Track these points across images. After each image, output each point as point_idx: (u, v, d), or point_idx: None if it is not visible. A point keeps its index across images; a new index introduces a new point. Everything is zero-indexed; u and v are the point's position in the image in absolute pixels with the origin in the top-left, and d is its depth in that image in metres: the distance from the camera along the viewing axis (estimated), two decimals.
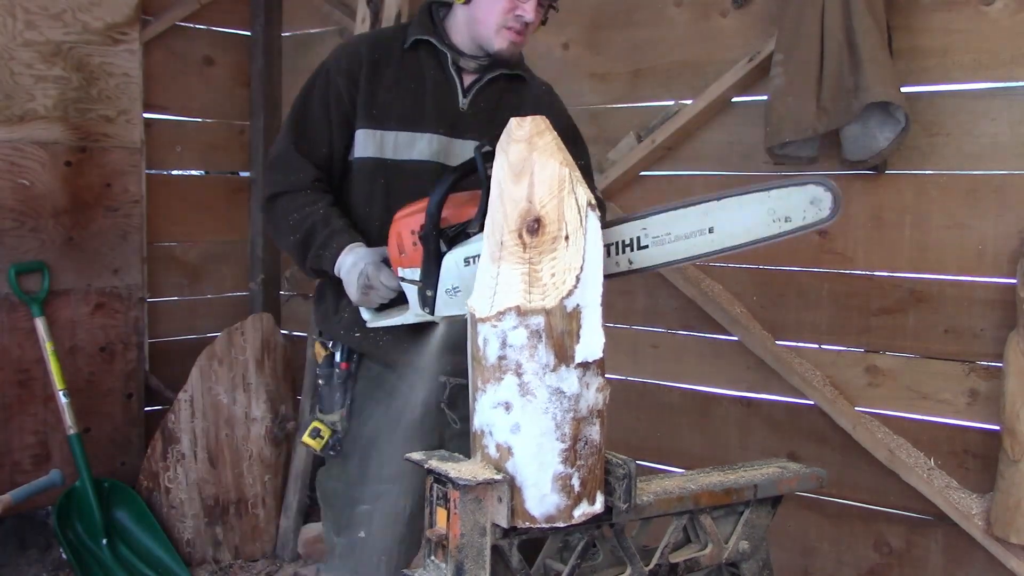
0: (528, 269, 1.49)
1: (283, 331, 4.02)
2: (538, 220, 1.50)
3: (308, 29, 4.33)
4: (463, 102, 2.24)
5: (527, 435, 1.49)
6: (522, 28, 2.17)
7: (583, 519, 1.54)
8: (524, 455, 1.49)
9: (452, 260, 1.88)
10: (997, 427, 2.63)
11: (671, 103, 3.23)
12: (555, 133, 1.57)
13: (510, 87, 2.30)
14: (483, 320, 1.49)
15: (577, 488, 1.51)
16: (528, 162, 1.52)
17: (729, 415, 3.22)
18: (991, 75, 2.68)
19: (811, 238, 3.00)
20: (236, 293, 4.43)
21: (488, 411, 1.51)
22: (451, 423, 2.24)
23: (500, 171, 1.56)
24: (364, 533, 2.24)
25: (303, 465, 3.71)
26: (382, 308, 2.09)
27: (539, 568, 1.64)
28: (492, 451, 1.52)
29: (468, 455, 1.80)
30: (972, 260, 2.73)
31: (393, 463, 2.12)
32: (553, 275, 1.48)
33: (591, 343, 1.49)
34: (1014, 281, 2.61)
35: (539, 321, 1.46)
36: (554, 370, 1.47)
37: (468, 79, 2.25)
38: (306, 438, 2.28)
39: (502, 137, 1.57)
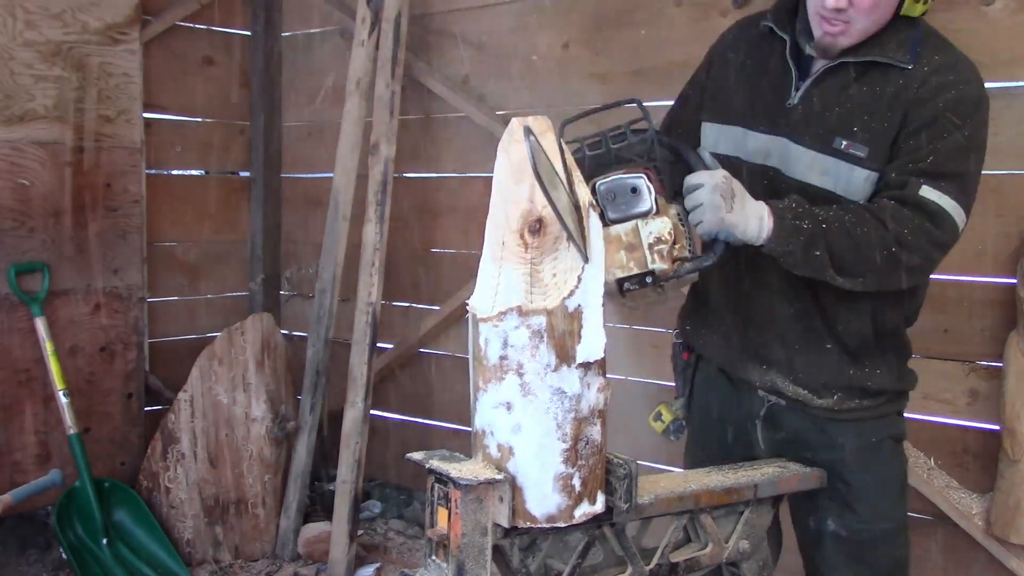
0: (530, 269, 1.49)
1: (283, 331, 4.02)
2: (540, 220, 1.50)
3: (308, 29, 4.33)
4: (793, 97, 1.96)
5: (528, 435, 1.49)
6: (832, 16, 1.83)
7: (584, 519, 1.54)
8: (525, 455, 1.49)
9: None
10: (997, 427, 2.63)
11: (671, 103, 3.23)
12: (554, 133, 1.57)
13: (864, 77, 1.91)
14: (485, 320, 1.49)
15: (578, 488, 1.52)
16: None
17: None
18: (991, 75, 2.66)
19: None
20: (236, 293, 4.43)
21: (489, 411, 1.51)
22: (758, 443, 2.12)
23: (501, 171, 1.56)
24: None
25: (303, 465, 3.71)
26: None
27: (540, 568, 1.64)
28: (493, 451, 1.52)
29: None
30: (972, 260, 2.73)
31: (701, 465, 2.09)
32: (555, 275, 1.48)
33: (592, 343, 1.49)
34: (1014, 281, 2.61)
35: (540, 321, 1.46)
36: (555, 370, 1.47)
37: (816, 66, 1.96)
38: (650, 420, 2.25)
39: (503, 137, 1.57)
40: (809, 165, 1.92)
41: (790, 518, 2.25)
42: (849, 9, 1.81)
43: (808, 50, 1.95)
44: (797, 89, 1.96)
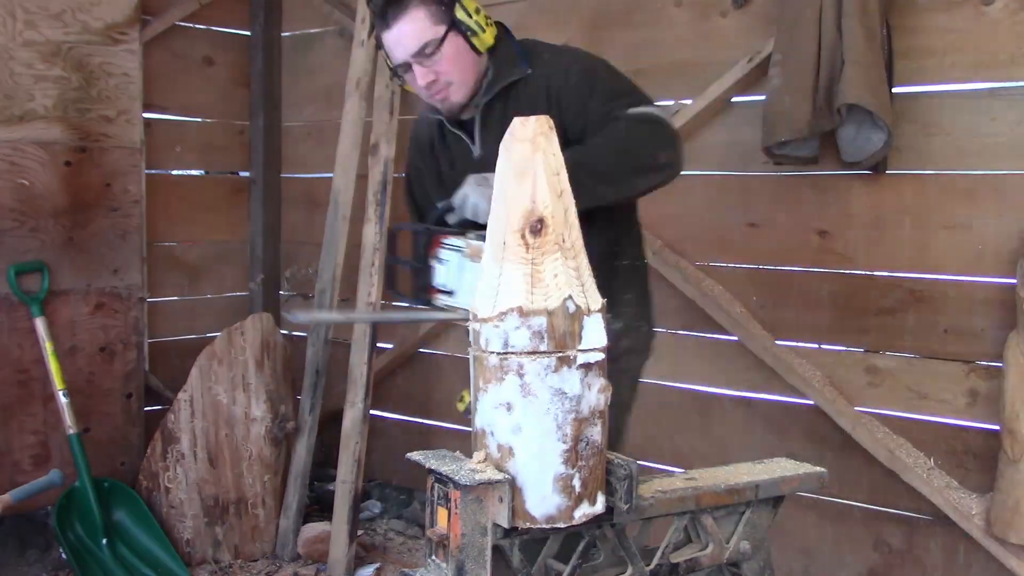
0: (531, 269, 1.48)
1: (283, 331, 4.02)
2: (541, 220, 1.50)
3: (308, 29, 4.33)
4: (475, 150, 2.27)
5: (528, 436, 1.48)
6: (431, 91, 2.17)
7: (584, 520, 1.54)
8: (525, 455, 1.49)
9: None
10: (997, 427, 2.64)
11: (671, 103, 3.23)
12: (555, 134, 1.57)
13: (509, 100, 2.23)
14: (485, 320, 1.49)
15: (578, 489, 1.51)
16: (531, 162, 1.52)
17: (729, 415, 3.22)
18: (991, 75, 2.68)
19: (811, 238, 3.01)
20: (236, 293, 4.43)
21: (489, 411, 1.51)
22: None
23: (503, 171, 1.55)
24: None
25: (303, 465, 3.71)
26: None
27: (540, 568, 1.64)
28: (493, 451, 1.52)
29: None
30: (972, 260, 2.74)
31: None
32: (556, 276, 1.48)
33: (593, 344, 1.49)
34: (1014, 281, 2.61)
35: (541, 322, 1.46)
36: (556, 371, 1.47)
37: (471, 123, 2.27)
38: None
39: (505, 137, 1.57)
40: None
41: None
42: (439, 78, 2.14)
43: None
44: (474, 142, 2.26)
